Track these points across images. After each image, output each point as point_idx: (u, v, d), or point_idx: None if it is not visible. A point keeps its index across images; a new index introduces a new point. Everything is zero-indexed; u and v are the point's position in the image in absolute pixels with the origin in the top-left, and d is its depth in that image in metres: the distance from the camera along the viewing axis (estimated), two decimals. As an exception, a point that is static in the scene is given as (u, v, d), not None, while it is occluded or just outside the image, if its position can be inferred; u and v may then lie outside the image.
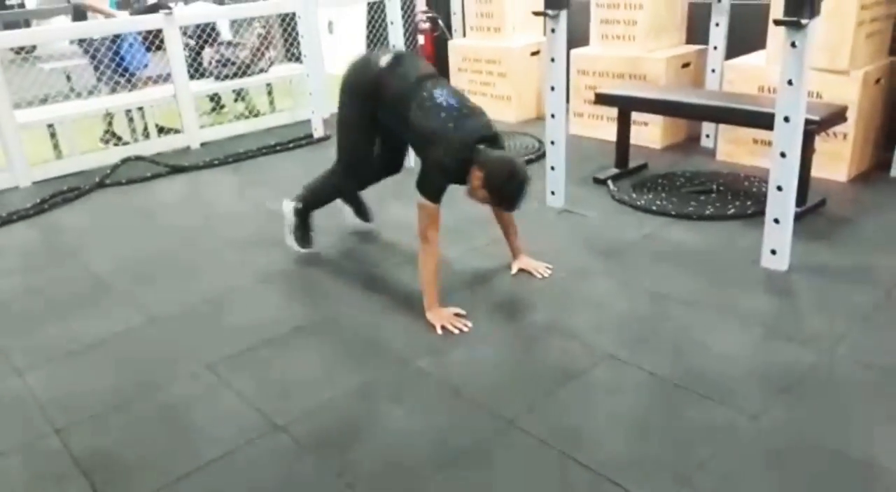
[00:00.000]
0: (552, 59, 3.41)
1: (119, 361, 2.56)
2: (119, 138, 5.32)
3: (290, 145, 5.11)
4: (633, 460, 1.92)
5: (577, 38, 4.60)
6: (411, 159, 3.48)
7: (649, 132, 4.53)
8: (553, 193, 3.66)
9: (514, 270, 3.01)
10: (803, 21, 2.54)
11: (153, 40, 5.19)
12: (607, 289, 2.86)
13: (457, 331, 2.58)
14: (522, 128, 5.16)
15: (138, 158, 4.85)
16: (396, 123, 2.76)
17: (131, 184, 4.50)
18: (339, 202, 3.42)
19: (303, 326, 2.70)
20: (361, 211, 3.50)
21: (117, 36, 5.15)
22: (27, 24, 8.63)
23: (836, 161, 3.75)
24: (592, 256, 3.14)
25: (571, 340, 2.50)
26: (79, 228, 3.88)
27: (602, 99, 4.06)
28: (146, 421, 2.22)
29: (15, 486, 1.98)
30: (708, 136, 4.48)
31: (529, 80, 5.36)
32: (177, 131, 5.37)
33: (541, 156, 4.28)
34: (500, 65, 5.33)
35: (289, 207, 3.26)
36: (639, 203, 3.60)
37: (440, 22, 6.06)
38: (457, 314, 2.66)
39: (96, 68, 5.20)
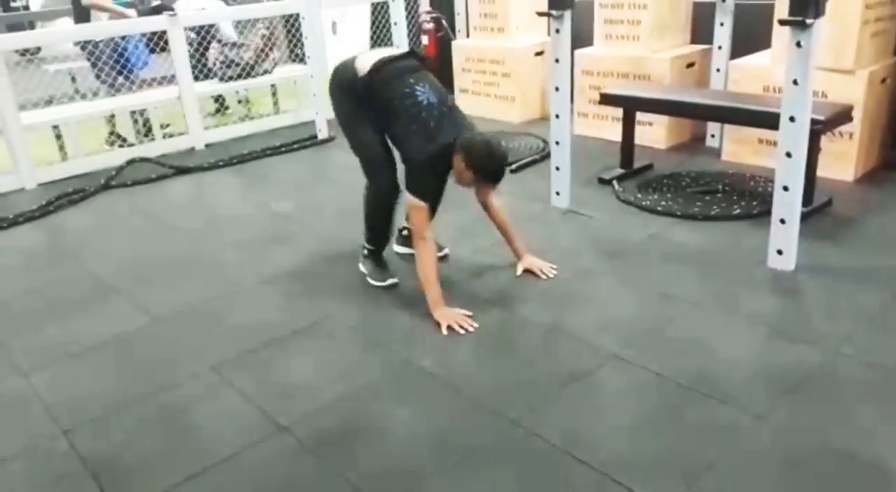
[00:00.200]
0: (556, 60, 3.41)
1: (124, 362, 2.57)
2: (124, 140, 5.33)
3: (295, 146, 5.12)
4: (639, 460, 1.92)
5: (582, 38, 4.60)
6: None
7: (654, 132, 4.52)
8: (558, 193, 3.66)
9: (519, 271, 3.00)
10: (808, 21, 2.53)
11: (157, 41, 5.20)
12: (612, 289, 2.86)
13: (463, 331, 2.58)
14: (526, 128, 5.15)
15: (143, 160, 4.86)
16: (384, 121, 2.78)
17: (136, 185, 4.51)
18: (403, 250, 3.24)
19: (306, 327, 2.70)
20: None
21: (123, 36, 5.16)
22: (31, 26, 8.66)
23: (843, 161, 3.74)
24: (597, 256, 3.13)
25: (576, 340, 2.50)
26: (84, 229, 3.89)
27: (606, 99, 4.05)
28: (151, 422, 2.22)
29: (24, 488, 1.99)
30: (713, 136, 4.47)
31: (533, 80, 5.35)
32: (179, 133, 5.37)
33: (545, 156, 4.27)
34: (503, 65, 5.33)
35: (360, 262, 3.10)
36: (644, 203, 3.59)
37: (444, 22, 6.07)
38: (464, 315, 2.67)
39: (97, 69, 5.20)
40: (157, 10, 5.24)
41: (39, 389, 2.42)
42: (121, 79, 5.26)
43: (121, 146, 5.24)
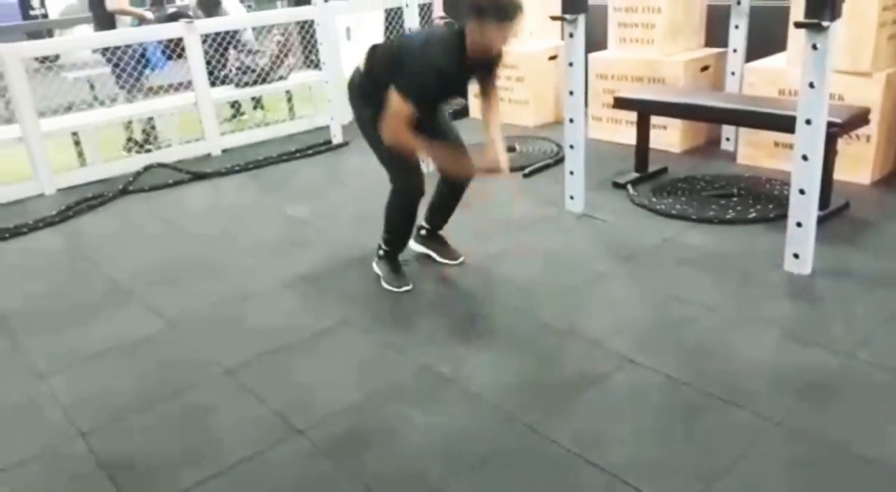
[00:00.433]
0: (570, 64, 3.41)
1: (141, 365, 2.59)
2: (141, 146, 5.39)
3: (310, 152, 5.15)
4: (655, 465, 1.91)
5: (596, 41, 4.59)
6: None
7: (669, 136, 4.50)
8: (572, 197, 3.65)
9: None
10: (824, 23, 2.51)
11: (174, 48, 5.25)
12: (627, 293, 2.85)
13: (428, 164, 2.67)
14: (541, 132, 5.15)
15: (161, 166, 4.91)
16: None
17: (154, 191, 4.55)
18: (419, 248, 3.23)
19: (322, 331, 2.71)
20: (444, 250, 3.20)
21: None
22: (50, 33, 8.77)
23: (859, 164, 3.70)
24: (612, 260, 3.13)
25: (591, 344, 2.49)
26: (102, 234, 3.94)
27: (621, 103, 4.04)
28: (168, 425, 2.24)
29: (42, 489, 2.01)
30: (728, 139, 4.44)
31: (547, 84, 5.35)
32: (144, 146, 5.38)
33: (560, 160, 4.27)
34: (518, 69, 5.33)
35: (374, 263, 3.10)
36: (659, 207, 3.58)
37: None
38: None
39: (118, 69, 5.26)
40: (173, 18, 5.30)
41: (57, 391, 2.45)
42: (141, 80, 5.33)
43: (138, 152, 5.30)
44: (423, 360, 2.48)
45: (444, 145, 2.84)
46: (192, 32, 5.04)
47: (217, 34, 5.42)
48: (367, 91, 2.77)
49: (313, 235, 3.68)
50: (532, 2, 5.24)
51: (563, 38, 3.50)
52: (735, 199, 3.62)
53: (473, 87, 5.46)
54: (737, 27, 4.26)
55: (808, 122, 2.67)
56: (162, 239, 3.81)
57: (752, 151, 4.11)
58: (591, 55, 4.64)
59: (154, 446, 2.15)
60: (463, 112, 5.61)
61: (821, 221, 2.92)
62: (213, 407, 2.31)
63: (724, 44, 4.37)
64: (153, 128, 5.48)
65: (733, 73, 4.32)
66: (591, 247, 3.29)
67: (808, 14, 2.55)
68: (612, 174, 4.05)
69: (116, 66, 5.19)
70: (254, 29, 6.02)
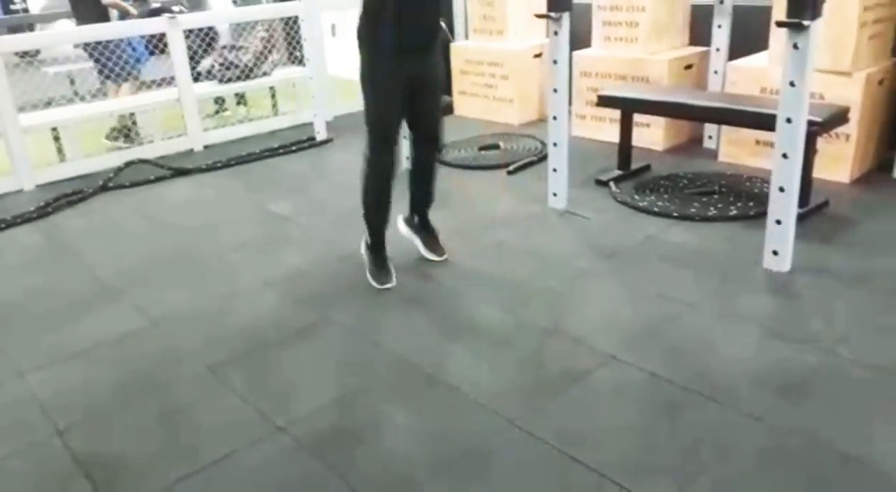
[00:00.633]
0: (554, 62, 3.42)
1: (121, 362, 2.56)
2: (126, 135, 5.34)
3: (293, 148, 5.12)
4: (637, 462, 1.92)
5: (580, 39, 4.60)
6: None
7: (652, 134, 4.52)
8: (555, 194, 3.66)
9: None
10: (805, 23, 2.53)
11: (157, 44, 5.21)
12: (610, 290, 2.86)
13: None
14: (525, 130, 5.16)
15: (142, 162, 4.86)
16: None
17: (135, 187, 4.51)
18: (407, 232, 3.23)
19: (304, 328, 2.70)
20: (430, 241, 3.18)
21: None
22: (31, 27, 8.67)
23: (839, 162, 3.74)
24: (595, 257, 3.14)
25: (574, 341, 2.50)
26: (82, 230, 3.89)
27: (604, 101, 4.06)
28: (148, 422, 2.22)
29: (17, 488, 1.99)
30: (710, 137, 4.47)
31: (532, 82, 5.36)
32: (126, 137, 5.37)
33: (543, 158, 4.28)
34: (502, 67, 5.34)
35: (362, 246, 3.10)
36: (641, 205, 3.60)
37: (443, 24, 6.06)
38: None
39: (99, 68, 5.22)
40: (156, 13, 5.26)
41: (36, 389, 2.42)
42: (133, 74, 5.29)
43: (125, 141, 5.25)
44: (406, 357, 2.47)
45: None
46: (175, 28, 4.99)
47: (192, 31, 5.38)
48: (360, 33, 2.76)
49: (296, 231, 3.66)
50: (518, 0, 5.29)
51: (547, 36, 3.50)
52: (716, 196, 3.65)
53: (460, 85, 5.45)
54: (720, 26, 4.29)
55: (788, 120, 2.69)
56: (143, 236, 3.78)
57: (733, 149, 4.14)
58: (576, 53, 4.66)
59: (133, 443, 2.13)
60: (447, 110, 5.60)
61: (800, 218, 2.95)
62: (194, 404, 2.29)
63: (708, 42, 4.39)
64: (134, 123, 5.44)
65: (716, 72, 4.35)
66: (574, 244, 3.29)
67: (789, 13, 2.57)
68: (595, 172, 4.06)
69: (98, 61, 5.14)
70: (238, 25, 5.99)
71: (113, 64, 5.16)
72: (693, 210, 3.48)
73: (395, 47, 2.71)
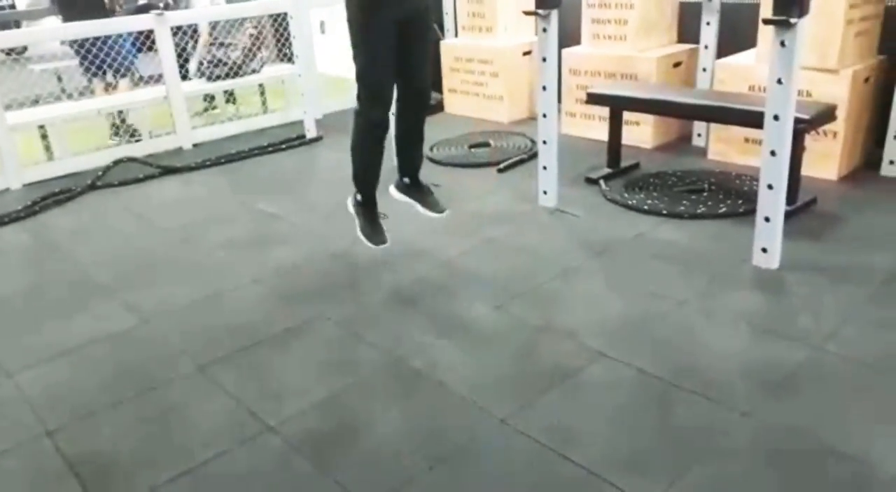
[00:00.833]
0: (543, 59, 3.42)
1: (110, 361, 2.55)
2: (131, 134, 5.34)
3: (283, 146, 5.10)
4: (626, 458, 1.93)
5: (569, 36, 4.61)
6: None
7: (641, 132, 4.54)
8: (545, 192, 3.67)
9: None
10: (792, 20, 2.55)
11: (143, 41, 5.18)
12: (599, 288, 2.87)
13: None
14: (515, 127, 5.16)
15: (130, 160, 4.84)
16: None
17: (123, 185, 4.48)
18: (400, 196, 3.17)
19: (296, 326, 2.70)
20: (426, 199, 3.14)
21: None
22: (17, 25, 8.59)
23: (827, 160, 3.77)
24: (585, 255, 3.15)
25: (564, 338, 2.51)
26: (70, 229, 3.87)
27: (593, 99, 4.06)
28: (138, 422, 2.21)
29: (7, 487, 1.98)
30: (699, 135, 4.49)
31: (521, 79, 5.36)
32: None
33: (533, 155, 4.28)
34: (492, 65, 5.34)
35: (350, 202, 3.11)
36: (630, 202, 3.61)
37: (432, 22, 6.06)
38: None
39: (87, 65, 5.19)
40: (143, 9, 5.22)
41: (25, 388, 2.40)
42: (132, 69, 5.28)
43: (128, 140, 5.25)
44: (397, 354, 2.47)
45: None
46: (163, 24, 4.96)
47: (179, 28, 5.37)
48: None
49: (286, 229, 3.65)
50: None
51: (536, 34, 3.50)
52: (706, 194, 3.66)
53: (450, 83, 5.44)
54: (708, 24, 4.30)
55: (776, 117, 2.71)
56: (132, 234, 3.76)
57: (722, 146, 4.16)
58: (565, 51, 4.66)
59: (123, 443, 2.12)
60: (438, 108, 5.60)
61: (788, 216, 2.97)
62: (184, 404, 2.28)
63: (696, 39, 4.41)
64: (123, 121, 5.41)
65: (704, 70, 4.36)
66: (565, 242, 3.30)
67: (776, 11, 2.58)
68: (585, 170, 4.07)
69: (91, 57, 5.10)
70: (227, 21, 5.96)
71: (112, 59, 5.13)
72: (682, 208, 3.50)
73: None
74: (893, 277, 2.77)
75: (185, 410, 2.25)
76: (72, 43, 5.28)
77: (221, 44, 5.72)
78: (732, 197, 3.58)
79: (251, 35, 5.77)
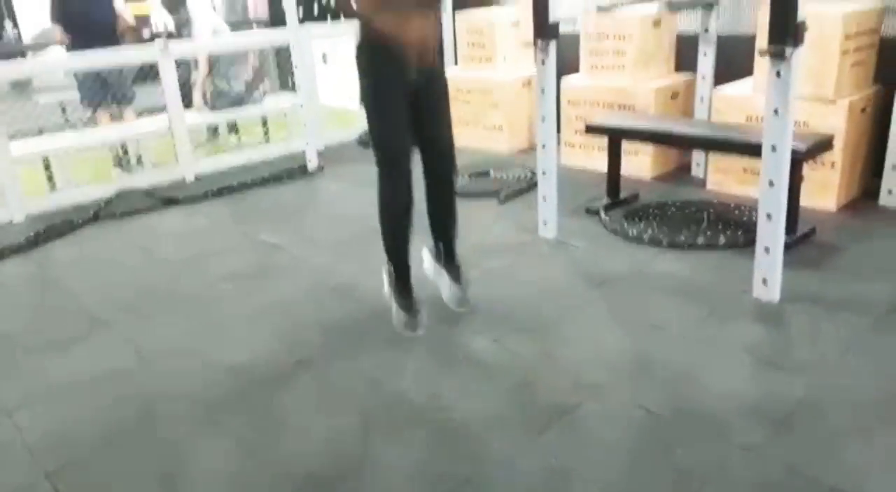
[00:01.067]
0: (542, 90, 3.45)
1: (110, 400, 2.54)
2: (133, 162, 5.39)
3: (285, 177, 5.13)
4: (627, 496, 1.91)
5: (568, 65, 4.65)
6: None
7: (640, 161, 4.56)
8: (545, 223, 3.68)
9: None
10: (787, 51, 2.58)
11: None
12: (600, 321, 2.86)
13: None
14: (515, 158, 5.19)
15: (133, 191, 4.86)
16: None
17: (126, 217, 4.50)
18: (430, 272, 3.02)
19: (297, 362, 2.69)
20: (453, 287, 2.94)
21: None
22: (23, 55, 8.69)
23: (825, 190, 3.77)
24: (585, 287, 3.14)
25: (564, 373, 2.50)
26: (73, 262, 3.88)
27: (592, 129, 4.09)
28: (138, 463, 2.20)
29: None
30: (698, 164, 4.51)
31: (521, 110, 5.41)
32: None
33: (533, 186, 4.30)
34: (491, 95, 5.39)
35: (385, 284, 2.87)
36: (631, 233, 3.61)
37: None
38: None
39: (83, 93, 5.26)
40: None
41: (23, 428, 2.39)
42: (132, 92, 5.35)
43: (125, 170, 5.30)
44: (398, 390, 2.46)
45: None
46: (167, 56, 5.02)
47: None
48: (358, 46, 2.62)
49: (287, 262, 3.66)
50: (506, 28, 5.36)
51: (535, 65, 3.53)
52: (705, 224, 3.67)
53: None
54: (705, 54, 4.35)
55: (773, 148, 2.72)
56: (134, 267, 3.77)
57: (721, 176, 4.17)
58: (564, 83, 4.70)
59: (124, 485, 2.10)
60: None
61: (788, 246, 2.97)
62: (186, 446, 2.26)
63: (694, 68, 4.45)
64: (125, 152, 5.45)
65: (702, 100, 4.40)
66: (565, 273, 3.30)
67: (771, 41, 2.61)
68: (585, 200, 4.08)
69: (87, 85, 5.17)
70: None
71: (119, 86, 5.19)
72: (682, 239, 3.50)
73: (395, 51, 2.54)
74: (894, 308, 2.76)
75: (187, 452, 2.24)
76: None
77: (224, 75, 5.78)
78: (732, 227, 3.59)
79: (254, 67, 5.83)
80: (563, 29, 3.42)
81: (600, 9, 4.60)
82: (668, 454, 2.06)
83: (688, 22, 4.67)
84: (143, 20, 5.95)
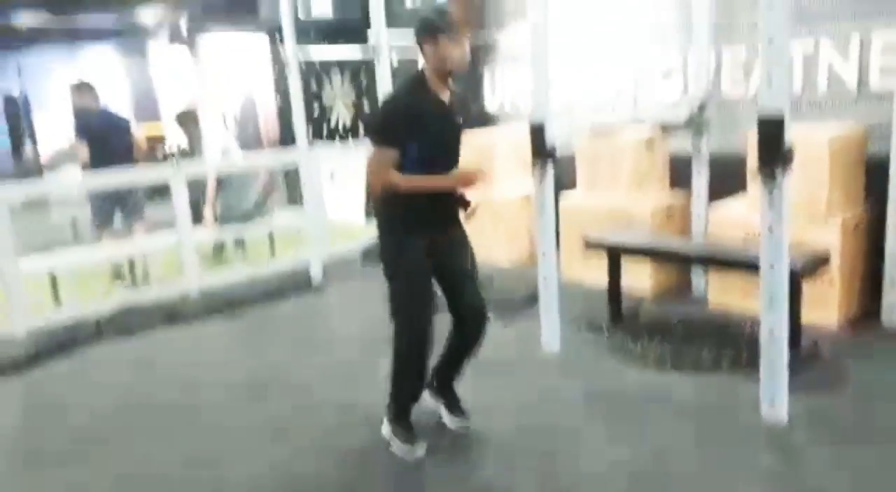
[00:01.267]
0: (541, 207, 3.54)
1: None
2: (134, 277, 5.44)
3: (290, 293, 5.15)
4: None
5: (566, 182, 4.77)
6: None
7: (640, 277, 4.57)
8: (547, 338, 3.66)
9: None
10: (777, 173, 2.66)
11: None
12: (604, 447, 2.79)
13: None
14: (515, 272, 5.23)
15: (136, 307, 4.87)
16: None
17: (128, 333, 4.48)
18: (430, 400, 3.02)
19: (308, 483, 2.61)
20: (454, 405, 3.00)
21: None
22: (40, 173, 9.01)
23: (826, 307, 3.76)
24: (589, 408, 3.09)
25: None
26: (72, 379, 3.84)
27: (591, 245, 4.15)
28: None
29: None
30: (699, 278, 4.52)
31: (521, 224, 5.51)
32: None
33: (534, 299, 4.31)
34: (491, 209, 5.50)
35: (386, 429, 2.87)
36: (633, 351, 3.58)
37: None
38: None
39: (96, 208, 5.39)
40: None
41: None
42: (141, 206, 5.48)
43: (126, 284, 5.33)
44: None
45: (430, 177, 2.67)
46: (179, 176, 5.17)
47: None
48: (378, 210, 2.71)
49: (292, 380, 3.61)
50: (506, 147, 5.55)
51: (533, 182, 3.63)
52: (708, 343, 3.61)
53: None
54: (699, 173, 4.47)
55: (771, 266, 2.75)
56: (134, 386, 3.71)
57: (722, 291, 4.17)
58: (562, 202, 4.81)
59: None
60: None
61: (793, 366, 2.92)
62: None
63: (688, 185, 4.54)
64: (132, 268, 5.52)
65: (698, 216, 4.48)
66: (566, 391, 3.25)
67: (761, 165, 2.70)
68: (586, 315, 4.07)
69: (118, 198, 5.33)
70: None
71: (132, 201, 5.34)
72: (686, 358, 3.45)
73: (419, 222, 2.68)
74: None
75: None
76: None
77: (235, 191, 5.93)
78: (735, 346, 3.52)
79: (264, 184, 6.00)
80: (560, 151, 3.56)
81: (595, 132, 4.81)
82: None
83: (680, 142, 4.83)
84: (157, 140, 6.19)
